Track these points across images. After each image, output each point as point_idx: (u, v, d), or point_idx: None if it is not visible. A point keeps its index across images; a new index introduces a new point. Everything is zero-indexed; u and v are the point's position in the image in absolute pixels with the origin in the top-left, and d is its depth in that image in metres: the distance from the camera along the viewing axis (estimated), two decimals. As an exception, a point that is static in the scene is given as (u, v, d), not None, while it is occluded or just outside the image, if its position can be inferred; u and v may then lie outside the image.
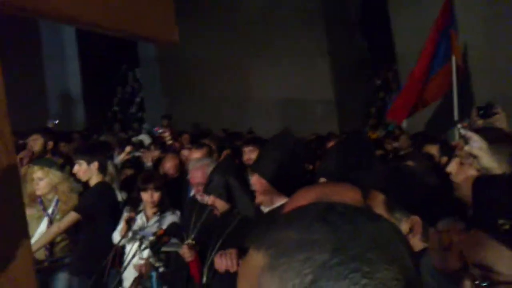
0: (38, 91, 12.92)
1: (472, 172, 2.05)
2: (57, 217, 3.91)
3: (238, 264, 2.42)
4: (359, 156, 2.27)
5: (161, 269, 3.34)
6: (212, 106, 11.55)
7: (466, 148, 1.95)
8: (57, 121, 8.96)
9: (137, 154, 6.53)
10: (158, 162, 5.58)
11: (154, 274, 3.19)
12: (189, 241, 3.04)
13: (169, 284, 3.33)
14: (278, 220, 0.64)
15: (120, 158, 6.35)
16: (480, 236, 1.11)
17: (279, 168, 2.57)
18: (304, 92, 11.00)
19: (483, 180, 1.39)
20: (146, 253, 3.24)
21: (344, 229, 0.58)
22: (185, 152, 5.25)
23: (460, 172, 2.14)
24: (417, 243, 1.66)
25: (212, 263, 2.68)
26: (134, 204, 3.81)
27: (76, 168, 3.95)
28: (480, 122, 2.90)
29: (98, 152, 4.19)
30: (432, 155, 3.48)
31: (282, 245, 0.58)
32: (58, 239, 3.88)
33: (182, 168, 4.88)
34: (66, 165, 4.57)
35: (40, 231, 3.83)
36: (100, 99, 15.71)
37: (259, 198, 2.67)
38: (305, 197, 1.12)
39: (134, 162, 6.07)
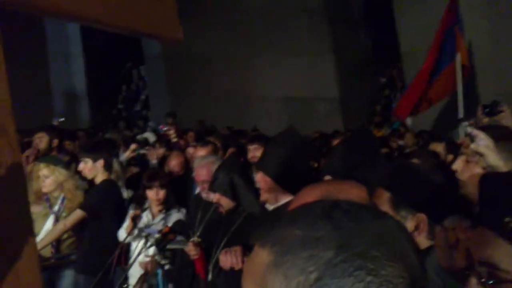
0: (43, 89, 12.92)
1: (478, 170, 2.04)
2: (63, 214, 3.92)
3: (243, 262, 2.42)
4: (364, 154, 2.26)
5: (166, 267, 3.34)
6: (216, 104, 11.55)
7: (472, 146, 1.95)
8: (62, 119, 8.97)
9: (142, 152, 6.53)
10: (163, 159, 5.58)
11: (159, 271, 3.19)
12: (195, 238, 3.05)
13: (174, 282, 3.34)
14: (283, 218, 0.64)
15: (125, 155, 6.35)
16: (486, 234, 1.10)
17: (283, 166, 2.57)
18: (309, 90, 11.01)
19: (489, 178, 1.38)
20: (151, 250, 3.24)
21: (349, 226, 0.58)
22: (190, 150, 5.25)
23: (466, 170, 2.13)
24: (423, 241, 1.65)
25: (217, 261, 2.68)
26: (140, 201, 3.81)
27: (81, 166, 3.96)
28: (485, 120, 2.89)
29: (104, 150, 4.19)
30: (438, 153, 3.47)
31: (286, 243, 0.58)
32: (64, 236, 3.90)
33: (187, 165, 4.88)
34: (71, 163, 4.58)
35: (46, 229, 3.85)
36: (105, 97, 15.78)
37: (264, 196, 2.67)
38: (310, 194, 1.12)
39: (139, 160, 6.06)
